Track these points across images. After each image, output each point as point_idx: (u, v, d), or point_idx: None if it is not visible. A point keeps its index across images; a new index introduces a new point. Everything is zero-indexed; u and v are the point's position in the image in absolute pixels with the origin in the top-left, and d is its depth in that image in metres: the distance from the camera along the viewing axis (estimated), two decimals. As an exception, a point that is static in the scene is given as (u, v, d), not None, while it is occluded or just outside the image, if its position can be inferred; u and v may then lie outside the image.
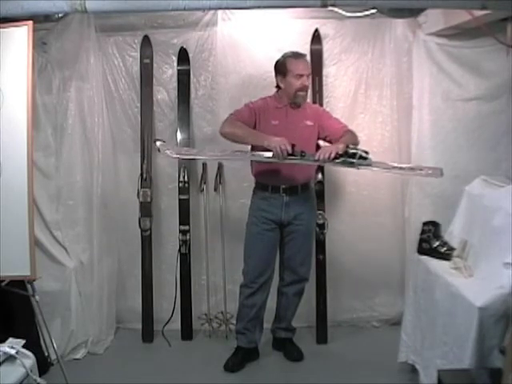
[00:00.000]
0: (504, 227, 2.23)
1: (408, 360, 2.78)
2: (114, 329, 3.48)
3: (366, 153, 2.63)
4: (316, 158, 2.66)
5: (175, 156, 3.03)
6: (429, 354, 2.50)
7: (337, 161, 2.65)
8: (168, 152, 2.92)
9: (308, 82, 2.89)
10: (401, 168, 2.86)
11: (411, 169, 2.91)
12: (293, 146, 2.64)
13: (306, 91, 2.89)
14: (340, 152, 2.64)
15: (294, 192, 2.94)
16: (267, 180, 2.95)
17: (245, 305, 3.06)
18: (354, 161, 2.61)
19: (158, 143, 2.95)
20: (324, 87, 3.36)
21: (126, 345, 3.38)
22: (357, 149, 2.64)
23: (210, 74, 3.43)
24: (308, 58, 3.00)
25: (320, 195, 3.32)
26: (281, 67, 2.88)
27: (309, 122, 2.92)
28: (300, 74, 2.83)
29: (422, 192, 3.26)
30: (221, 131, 2.85)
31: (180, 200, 3.40)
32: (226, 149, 2.97)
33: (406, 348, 2.80)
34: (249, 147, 2.93)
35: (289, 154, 2.64)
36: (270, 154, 2.69)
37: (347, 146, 2.65)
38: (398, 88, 3.36)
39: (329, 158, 2.63)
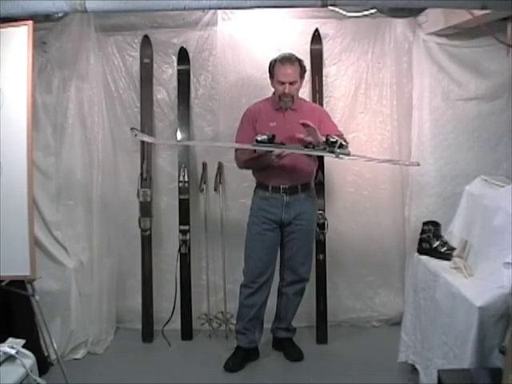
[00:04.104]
0: (504, 227, 2.24)
1: (408, 360, 2.78)
2: (113, 329, 3.48)
3: (346, 142, 2.70)
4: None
5: (152, 141, 3.25)
6: (429, 354, 2.50)
7: (317, 148, 2.71)
8: (145, 138, 3.14)
9: (294, 87, 2.85)
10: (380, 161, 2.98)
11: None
12: (273, 136, 2.69)
13: (291, 97, 2.87)
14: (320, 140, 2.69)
15: (294, 192, 2.94)
16: (267, 180, 2.95)
17: (245, 305, 3.06)
18: (335, 150, 2.67)
19: (135, 131, 3.05)
20: (324, 87, 3.36)
21: (125, 345, 3.38)
22: (335, 137, 2.67)
23: (209, 73, 3.43)
24: (301, 61, 2.89)
25: (320, 195, 3.32)
26: (270, 69, 2.92)
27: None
28: (282, 82, 2.83)
29: (422, 192, 3.26)
30: (239, 168, 3.05)
31: (180, 200, 3.40)
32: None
33: (406, 348, 2.80)
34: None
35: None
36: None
37: (327, 138, 2.67)
38: (398, 88, 3.36)
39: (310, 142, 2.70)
